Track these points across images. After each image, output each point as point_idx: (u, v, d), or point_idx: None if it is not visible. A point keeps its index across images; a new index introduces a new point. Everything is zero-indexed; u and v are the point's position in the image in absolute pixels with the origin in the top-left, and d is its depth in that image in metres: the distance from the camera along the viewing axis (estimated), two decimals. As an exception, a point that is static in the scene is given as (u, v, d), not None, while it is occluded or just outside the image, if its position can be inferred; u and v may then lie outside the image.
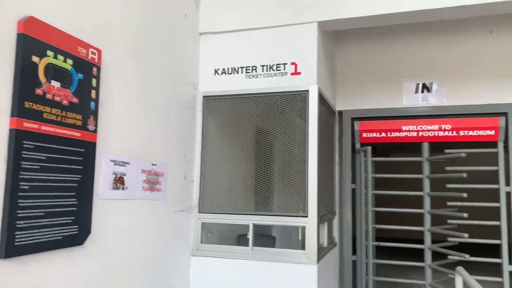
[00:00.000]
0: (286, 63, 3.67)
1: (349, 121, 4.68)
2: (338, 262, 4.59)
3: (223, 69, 3.83)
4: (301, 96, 3.61)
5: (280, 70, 3.68)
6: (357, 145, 4.64)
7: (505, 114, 4.14)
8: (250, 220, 3.54)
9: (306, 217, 3.43)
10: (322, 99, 3.79)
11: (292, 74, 3.64)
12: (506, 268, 4.04)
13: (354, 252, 4.54)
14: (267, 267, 3.44)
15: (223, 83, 3.81)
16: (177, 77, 3.52)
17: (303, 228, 3.45)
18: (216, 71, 3.85)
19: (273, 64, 3.71)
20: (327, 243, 4.00)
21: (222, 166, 3.81)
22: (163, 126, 3.28)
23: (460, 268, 3.25)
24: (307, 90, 3.57)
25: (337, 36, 4.74)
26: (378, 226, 4.55)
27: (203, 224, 3.70)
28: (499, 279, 4.08)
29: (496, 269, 4.13)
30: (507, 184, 4.11)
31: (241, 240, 3.68)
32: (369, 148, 4.35)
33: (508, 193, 4.11)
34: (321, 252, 3.63)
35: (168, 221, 3.34)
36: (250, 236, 3.51)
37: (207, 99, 3.84)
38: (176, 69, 3.51)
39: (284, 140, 3.69)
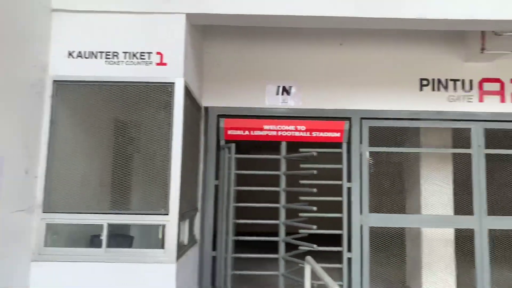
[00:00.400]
0: (151, 52, 3.49)
1: (215, 118, 4.70)
2: (199, 258, 4.58)
3: (80, 52, 3.45)
4: (166, 89, 3.47)
5: (144, 59, 3.48)
6: (222, 142, 4.69)
7: (349, 118, 4.67)
8: (105, 220, 3.26)
9: (167, 214, 3.32)
10: (188, 93, 3.72)
11: (157, 64, 3.48)
12: (345, 255, 4.57)
13: (214, 248, 4.58)
14: (122, 269, 3.22)
15: (78, 67, 3.43)
16: (19, 56, 3.03)
17: (164, 226, 3.32)
18: (70, 54, 3.45)
19: (137, 52, 3.49)
20: (188, 240, 3.94)
21: (74, 160, 3.43)
22: (-1, 112, 2.78)
23: (309, 258, 3.51)
24: (173, 83, 3.45)
25: (206, 32, 4.72)
26: (238, 221, 4.68)
27: (48, 225, 3.27)
28: (340, 266, 4.59)
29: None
30: (349, 180, 4.65)
31: (94, 241, 3.36)
32: (233, 145, 4.43)
33: (349, 188, 4.65)
34: (181, 249, 3.56)
35: (3, 222, 2.85)
36: (104, 236, 3.23)
37: (59, 84, 3.41)
38: (18, 46, 3.01)
39: (146, 134, 3.50)
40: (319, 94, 4.73)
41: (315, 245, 4.16)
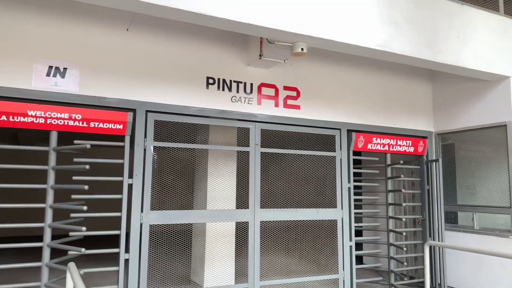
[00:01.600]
0: None
1: (-43, 97, 3.71)
2: None
3: None
4: None
5: None
6: (-32, 128, 3.74)
7: (133, 110, 4.38)
8: None
9: None
10: None
11: None
12: (123, 256, 4.25)
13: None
14: None
15: None
16: None
17: None
18: None
19: None
20: None
21: None
22: None
23: (70, 264, 3.10)
24: None
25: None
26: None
27: None
28: (116, 268, 4.24)
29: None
30: (130, 176, 4.35)
31: None
32: (-20, 132, 3.57)
33: (130, 185, 4.35)
34: None
35: None
36: None
37: None
38: None
39: None
40: (101, 80, 4.28)
41: (83, 249, 3.72)
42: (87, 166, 3.79)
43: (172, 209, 4.70)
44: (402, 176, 5.72)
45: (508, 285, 5.22)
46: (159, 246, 4.70)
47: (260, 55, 4.67)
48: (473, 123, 5.94)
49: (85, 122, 4.12)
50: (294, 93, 5.34)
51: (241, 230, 5.36)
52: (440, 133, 6.43)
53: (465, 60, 5.09)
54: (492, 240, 5.47)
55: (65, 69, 4.12)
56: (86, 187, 3.74)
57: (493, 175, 5.76)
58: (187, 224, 5.38)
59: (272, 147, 5.16)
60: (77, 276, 2.85)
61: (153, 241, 4.48)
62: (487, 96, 5.76)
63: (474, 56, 5.18)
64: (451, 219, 6.29)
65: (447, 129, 6.32)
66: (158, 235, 4.60)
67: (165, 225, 4.61)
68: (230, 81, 4.95)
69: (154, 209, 4.46)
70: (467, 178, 6.16)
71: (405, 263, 5.71)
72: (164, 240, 4.78)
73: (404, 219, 5.73)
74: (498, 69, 5.35)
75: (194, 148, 5.51)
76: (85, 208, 3.71)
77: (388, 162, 5.88)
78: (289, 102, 5.30)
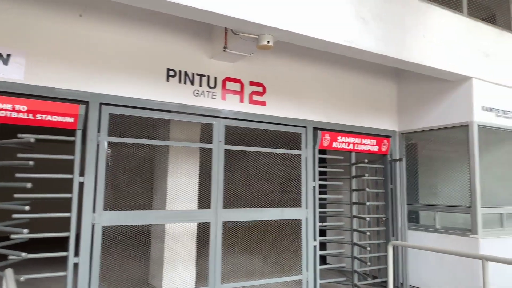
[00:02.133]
0: None
1: None
2: None
3: None
4: None
5: None
6: None
7: (86, 102, 4.05)
8: None
9: None
10: None
11: None
12: (71, 260, 3.90)
13: None
14: None
15: None
16: None
17: None
18: None
19: None
20: None
21: None
22: None
23: (7, 271, 2.79)
24: None
25: None
26: None
27: None
28: (63, 273, 3.90)
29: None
30: (82, 174, 4.02)
31: None
32: None
33: (81, 183, 4.01)
34: None
35: None
36: None
37: None
38: None
39: None
40: (50, 69, 3.92)
41: (23, 253, 3.37)
42: (31, 162, 3.44)
43: (128, 209, 4.39)
44: (366, 175, 5.68)
45: (468, 283, 5.28)
46: (114, 249, 4.38)
47: (225, 48, 4.45)
48: (436, 123, 5.99)
49: (31, 114, 3.76)
50: (260, 89, 5.16)
51: (203, 231, 5.12)
52: (404, 133, 6.46)
53: (430, 59, 5.10)
54: (453, 239, 5.53)
55: (8, 55, 3.73)
56: (29, 185, 3.39)
57: (454, 175, 5.83)
58: (145, 225, 5.08)
59: (237, 145, 4.96)
60: (12, 284, 2.55)
61: (106, 244, 4.16)
62: (450, 96, 5.82)
63: (438, 55, 5.20)
64: (413, 218, 6.33)
65: (410, 129, 6.35)
66: (112, 236, 4.29)
67: (120, 226, 4.30)
68: (193, 73, 4.70)
69: (108, 209, 4.14)
70: (430, 178, 6.22)
71: (369, 263, 5.67)
72: (120, 242, 4.47)
73: (368, 219, 5.69)
74: (461, 69, 5.41)
75: (153, 145, 5.20)
76: (27, 208, 3.37)
77: (353, 161, 5.83)
78: (255, 98, 5.11)
